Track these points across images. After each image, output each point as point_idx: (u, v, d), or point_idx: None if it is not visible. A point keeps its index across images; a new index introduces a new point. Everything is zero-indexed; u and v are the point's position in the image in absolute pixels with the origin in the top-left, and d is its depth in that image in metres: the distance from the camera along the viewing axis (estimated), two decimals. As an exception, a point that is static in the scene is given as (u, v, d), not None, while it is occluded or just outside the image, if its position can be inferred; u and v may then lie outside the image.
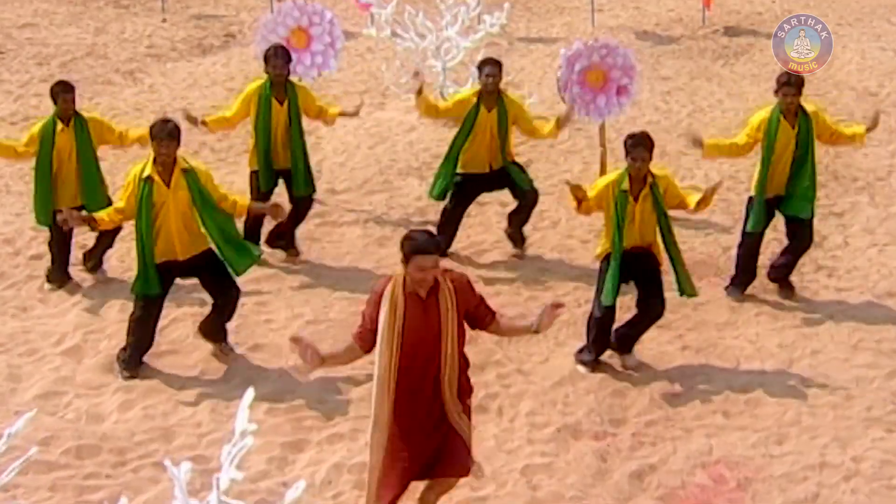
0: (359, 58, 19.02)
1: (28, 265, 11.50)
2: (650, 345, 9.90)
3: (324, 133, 14.75)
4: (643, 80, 15.62)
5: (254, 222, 11.36)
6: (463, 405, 7.15)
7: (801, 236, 10.62)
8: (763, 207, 10.43)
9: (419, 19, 15.62)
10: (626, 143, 9.19)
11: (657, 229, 9.31)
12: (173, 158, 9.16)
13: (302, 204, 11.54)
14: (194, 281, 10.07)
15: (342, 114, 11.81)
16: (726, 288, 10.85)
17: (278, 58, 11.16)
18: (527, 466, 8.18)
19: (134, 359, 9.47)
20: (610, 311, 9.42)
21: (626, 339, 9.61)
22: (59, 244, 10.92)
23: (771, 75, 17.74)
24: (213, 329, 9.75)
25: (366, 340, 7.02)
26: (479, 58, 15.74)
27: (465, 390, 7.19)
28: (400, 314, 6.85)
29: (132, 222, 9.39)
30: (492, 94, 11.15)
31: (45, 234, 12.03)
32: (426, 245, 6.78)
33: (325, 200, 12.85)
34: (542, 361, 9.71)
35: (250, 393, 5.51)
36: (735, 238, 11.85)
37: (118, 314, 10.39)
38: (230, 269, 9.39)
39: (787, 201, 10.45)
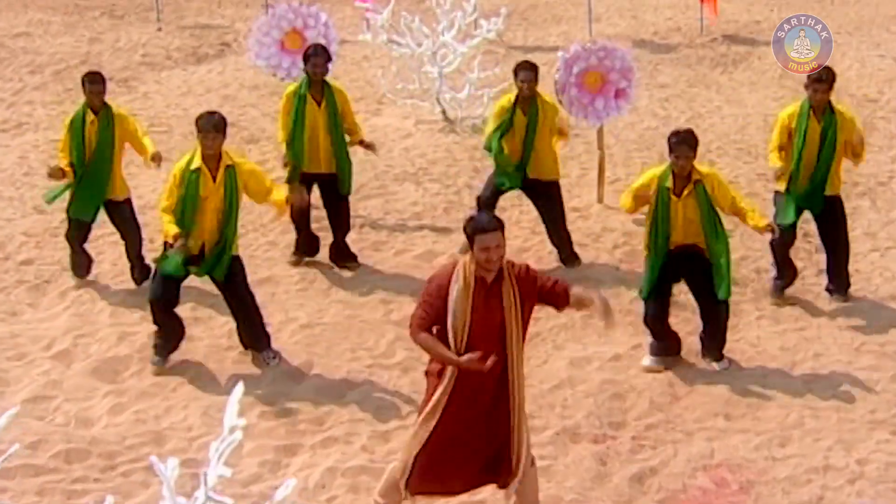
0: (355, 65, 18.91)
1: (18, 270, 11.34)
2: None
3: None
4: (641, 88, 15.47)
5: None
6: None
7: (834, 227, 10.57)
8: (793, 201, 10.32)
9: (415, 24, 15.48)
10: (669, 140, 9.06)
11: (704, 229, 9.12)
12: (219, 152, 9.06)
13: (343, 207, 11.35)
14: (187, 286, 9.94)
15: (363, 143, 11.45)
16: (772, 294, 10.74)
17: (318, 56, 10.99)
18: (525, 469, 8.01)
19: (164, 347, 9.43)
20: (655, 306, 9.39)
21: (712, 349, 9.52)
22: (76, 234, 10.83)
23: (770, 82, 17.81)
24: (249, 338, 9.58)
25: (427, 327, 6.89)
26: (476, 64, 15.73)
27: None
28: (470, 295, 6.73)
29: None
30: (527, 98, 11.01)
31: (35, 239, 12.00)
32: (487, 223, 6.74)
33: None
34: (540, 364, 9.55)
35: (240, 388, 5.36)
36: (735, 242, 11.74)
37: (109, 318, 10.26)
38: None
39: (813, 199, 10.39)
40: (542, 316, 10.35)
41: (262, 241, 11.89)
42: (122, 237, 10.90)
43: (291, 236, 12.01)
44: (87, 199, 10.63)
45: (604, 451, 8.33)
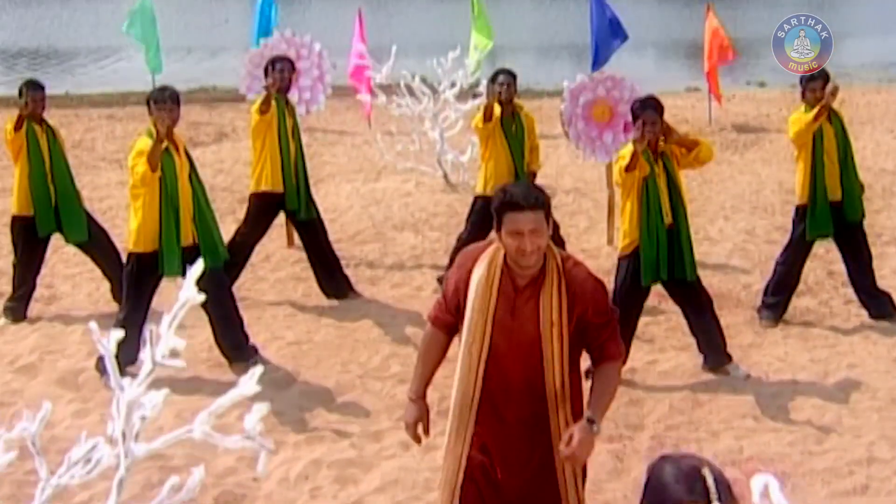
0: (355, 148, 18.37)
1: (-12, 302, 10.60)
2: (666, 365, 8.94)
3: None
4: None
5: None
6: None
7: (856, 243, 9.82)
8: (826, 209, 9.50)
9: (416, 83, 14.94)
10: (632, 109, 8.34)
11: (673, 204, 8.37)
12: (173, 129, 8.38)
13: (317, 228, 10.65)
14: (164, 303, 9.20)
15: None
16: (758, 310, 9.92)
17: (285, 61, 10.35)
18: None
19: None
20: (630, 307, 8.49)
21: (712, 352, 8.70)
22: (27, 267, 10.05)
23: (784, 160, 17.22)
24: (229, 345, 8.78)
25: (446, 323, 5.12)
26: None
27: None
28: (493, 299, 4.85)
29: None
30: (506, 105, 10.35)
31: (6, 277, 11.24)
32: (523, 196, 4.74)
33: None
34: (548, 378, 8.73)
35: (200, 264, 4.64)
36: (755, 279, 11.01)
37: (80, 337, 9.48)
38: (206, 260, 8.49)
39: (842, 209, 9.63)
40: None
41: (249, 276, 11.10)
42: (92, 252, 10.23)
43: (283, 273, 11.34)
44: (76, 216, 10.01)
45: (620, 448, 7.50)
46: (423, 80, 15.20)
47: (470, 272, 4.93)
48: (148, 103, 8.45)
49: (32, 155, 9.83)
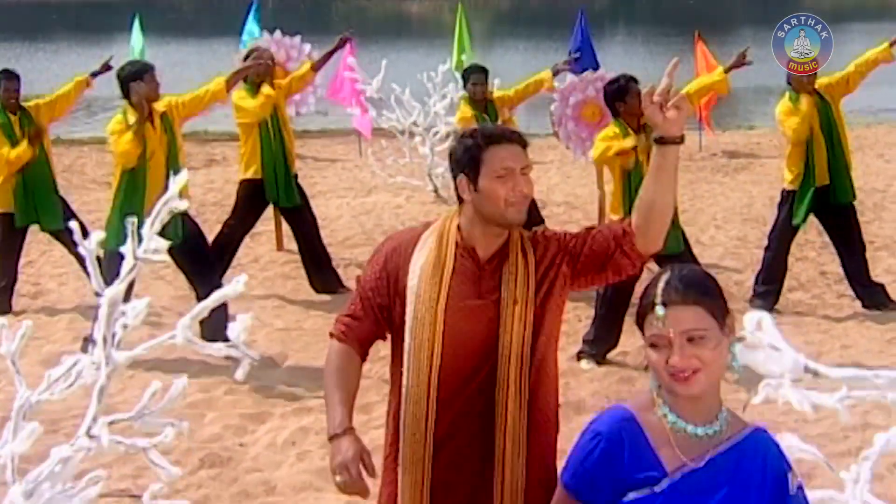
0: (346, 171, 18.35)
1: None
2: (660, 350, 8.86)
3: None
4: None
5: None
6: (532, 476, 4.01)
7: (848, 227, 9.79)
8: (813, 194, 9.50)
9: (406, 96, 14.94)
10: (609, 93, 8.40)
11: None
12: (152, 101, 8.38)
13: (305, 216, 10.65)
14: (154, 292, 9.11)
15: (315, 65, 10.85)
16: (750, 301, 9.84)
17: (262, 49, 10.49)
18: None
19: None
20: (618, 295, 8.43)
21: None
22: (7, 258, 9.96)
23: (774, 182, 17.17)
24: (214, 326, 8.66)
25: (361, 337, 4.10)
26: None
27: (543, 449, 4.17)
28: (447, 280, 3.86)
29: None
30: (480, 102, 10.34)
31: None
32: (501, 130, 3.95)
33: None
34: (537, 361, 8.66)
35: (184, 174, 4.56)
36: (746, 277, 10.96)
37: (67, 325, 9.43)
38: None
39: (830, 191, 9.60)
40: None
41: (238, 274, 11.03)
42: (68, 242, 10.14)
43: (271, 272, 11.27)
44: (51, 204, 9.91)
45: (612, 419, 7.39)
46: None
47: (411, 256, 3.96)
48: (123, 85, 8.39)
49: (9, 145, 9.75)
